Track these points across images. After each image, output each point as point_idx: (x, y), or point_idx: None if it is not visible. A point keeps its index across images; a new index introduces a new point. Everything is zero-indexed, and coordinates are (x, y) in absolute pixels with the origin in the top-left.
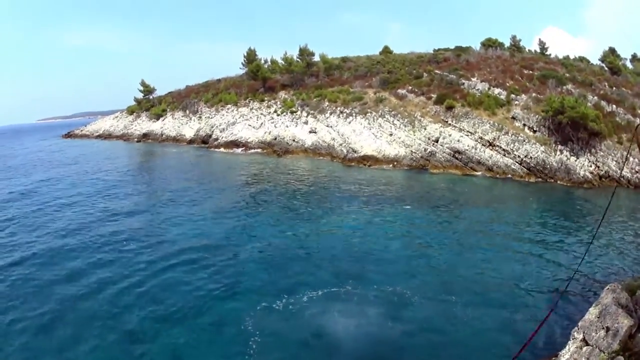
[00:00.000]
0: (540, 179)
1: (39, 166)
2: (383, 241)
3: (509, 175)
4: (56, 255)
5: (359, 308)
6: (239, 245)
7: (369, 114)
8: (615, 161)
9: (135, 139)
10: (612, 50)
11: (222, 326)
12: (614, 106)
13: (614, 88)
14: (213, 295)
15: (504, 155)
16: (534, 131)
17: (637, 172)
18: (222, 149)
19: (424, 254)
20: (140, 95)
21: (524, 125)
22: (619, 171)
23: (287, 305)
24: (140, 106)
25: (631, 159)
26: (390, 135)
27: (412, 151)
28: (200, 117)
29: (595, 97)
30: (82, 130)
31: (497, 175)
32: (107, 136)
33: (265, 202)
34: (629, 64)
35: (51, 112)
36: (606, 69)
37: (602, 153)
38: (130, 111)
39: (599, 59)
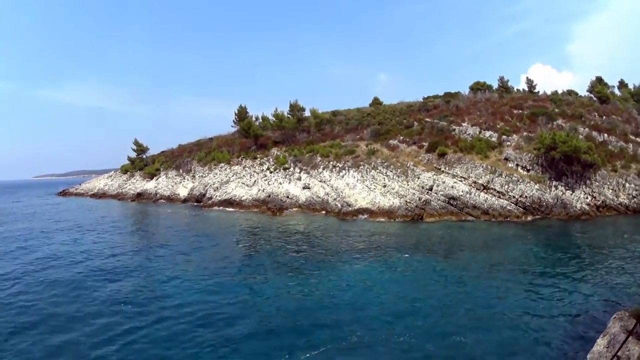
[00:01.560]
0: (537, 217)
1: (33, 222)
2: (382, 291)
3: (506, 218)
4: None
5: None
6: (237, 306)
7: (362, 166)
8: (612, 189)
9: (130, 199)
10: (599, 80)
11: None
12: (606, 135)
13: (604, 117)
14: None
15: (499, 197)
16: (527, 170)
17: (634, 197)
18: (216, 208)
19: (427, 302)
20: (133, 155)
21: (517, 165)
22: (615, 199)
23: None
24: (134, 165)
25: (627, 184)
26: (384, 186)
27: (406, 201)
28: (193, 176)
29: (586, 129)
30: (76, 189)
31: (494, 218)
32: (101, 195)
33: (260, 261)
34: (616, 91)
35: (47, 169)
36: (595, 99)
37: (597, 183)
38: (124, 170)
39: (587, 90)
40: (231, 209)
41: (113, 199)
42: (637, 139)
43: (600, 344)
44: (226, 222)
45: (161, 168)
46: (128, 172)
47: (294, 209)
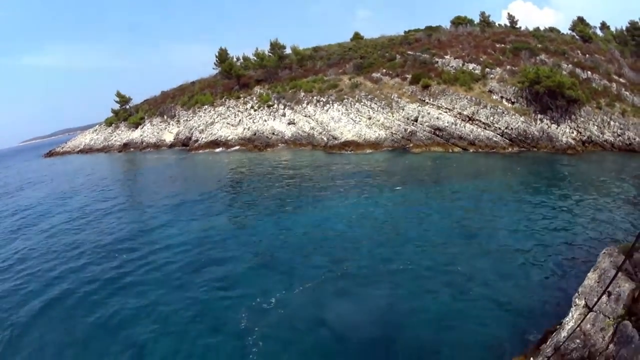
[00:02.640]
0: (523, 149)
1: (19, 188)
2: (373, 223)
3: (492, 149)
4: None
5: (356, 293)
6: (228, 244)
7: (346, 100)
8: (597, 126)
9: (117, 150)
10: (581, 20)
11: (219, 327)
12: (589, 73)
13: (587, 55)
14: (207, 296)
15: (485, 128)
16: (512, 103)
17: (619, 135)
18: (203, 150)
19: (417, 231)
20: (117, 106)
21: (502, 97)
22: (601, 135)
23: (282, 299)
24: (118, 117)
25: (612, 122)
26: (369, 119)
27: (392, 132)
28: (178, 121)
29: (570, 65)
30: (62, 148)
31: (480, 149)
32: (88, 150)
33: (250, 197)
34: (599, 32)
35: (32, 133)
36: (577, 37)
37: (582, 119)
38: (109, 123)
39: (569, 29)
40: (218, 150)
41: (100, 153)
42: (621, 79)
43: (591, 278)
44: (213, 162)
45: (145, 116)
46: (113, 125)
47: (281, 145)
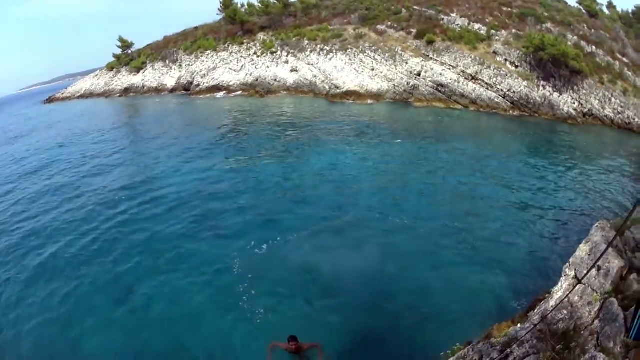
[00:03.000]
0: (524, 113)
1: (18, 135)
2: (372, 174)
3: (494, 110)
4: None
5: (350, 242)
6: (226, 188)
7: (350, 50)
8: (598, 100)
9: (117, 94)
10: None
11: (213, 271)
12: (594, 47)
13: (593, 30)
14: (202, 239)
15: (487, 89)
16: (516, 66)
17: (619, 112)
18: (204, 95)
19: (416, 186)
20: (119, 51)
21: (506, 60)
22: (602, 110)
23: (276, 245)
24: (120, 61)
25: (613, 99)
26: (372, 70)
27: (394, 85)
28: (180, 66)
29: (575, 37)
30: (63, 94)
31: (482, 109)
32: (88, 95)
33: (251, 142)
34: (605, 10)
35: (32, 79)
36: (584, 11)
37: (584, 91)
38: (110, 67)
39: (576, 2)
40: (219, 95)
41: (100, 98)
42: (624, 59)
43: (583, 250)
44: (214, 107)
45: (147, 61)
46: (114, 69)
47: (282, 92)
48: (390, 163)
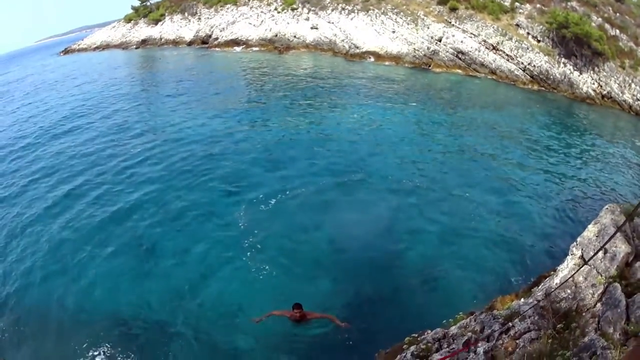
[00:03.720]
0: (543, 88)
1: (35, 87)
2: (385, 136)
3: (512, 82)
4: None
5: (359, 202)
6: (239, 142)
7: (371, 11)
8: (618, 84)
9: (134, 46)
10: None
11: (220, 224)
12: (618, 31)
13: (618, 14)
14: (211, 193)
15: (508, 60)
16: (538, 41)
17: (638, 99)
18: (221, 48)
19: (430, 150)
20: (137, 3)
21: (528, 34)
22: (620, 94)
23: (285, 200)
24: (138, 13)
25: (633, 85)
26: (393, 32)
27: (414, 49)
28: (199, 19)
29: (599, 19)
30: (79, 45)
31: (500, 80)
32: (105, 47)
33: (267, 97)
34: None
35: (48, 31)
36: None
37: (604, 73)
38: (128, 19)
39: None
40: (237, 49)
41: (117, 49)
42: None
43: (591, 230)
44: (232, 61)
45: (166, 13)
46: (132, 21)
47: (301, 49)
48: (406, 125)
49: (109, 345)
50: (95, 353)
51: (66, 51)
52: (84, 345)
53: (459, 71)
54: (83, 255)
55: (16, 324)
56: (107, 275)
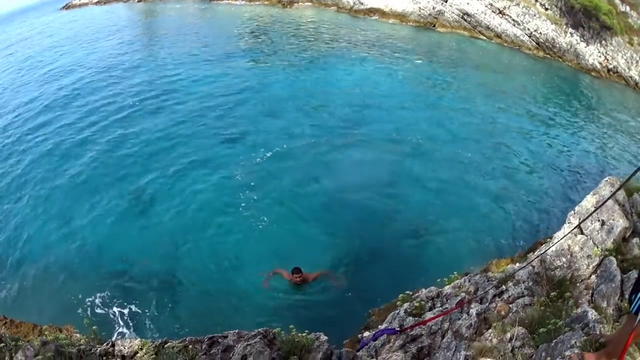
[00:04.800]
0: (548, 56)
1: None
2: (388, 92)
3: (517, 47)
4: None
5: (359, 156)
6: (240, 93)
7: None
8: (625, 60)
9: (136, 0)
10: None
11: (219, 173)
12: (628, 8)
13: None
14: (211, 143)
15: (514, 25)
16: (546, 9)
17: None
18: (224, 1)
19: (432, 109)
20: None
21: (536, 1)
22: (627, 70)
23: (283, 152)
24: None
25: None
26: None
27: (420, 7)
28: None
29: None
30: (80, 0)
31: (505, 44)
32: (105, 1)
33: (270, 51)
34: None
35: None
36: None
37: (612, 47)
38: None
39: None
40: (240, 2)
41: (119, 3)
42: None
43: (589, 201)
44: (235, 15)
45: None
46: None
47: (305, 3)
48: (408, 83)
49: (107, 296)
50: (94, 303)
51: (67, 6)
52: (82, 296)
53: (464, 32)
54: (80, 206)
55: (12, 277)
56: (104, 226)
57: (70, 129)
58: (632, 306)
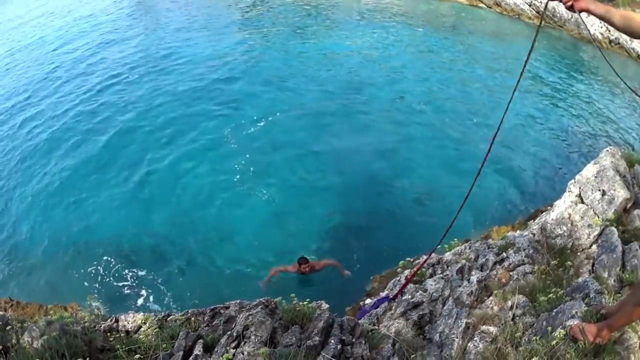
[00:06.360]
0: (549, 24)
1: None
2: (386, 62)
3: (517, 15)
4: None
5: (355, 125)
6: (236, 63)
7: None
8: None
9: None
10: None
11: (214, 145)
12: None
13: None
14: (207, 112)
15: None
16: None
17: None
18: None
19: (430, 77)
20: None
21: None
22: (630, 41)
23: (278, 120)
24: None
25: None
26: None
27: None
28: None
29: None
30: None
31: (505, 12)
32: None
33: (261, 20)
34: None
35: None
36: None
37: None
38: None
39: None
40: None
41: None
42: None
43: (590, 170)
44: None
45: None
46: None
47: None
48: (406, 50)
49: (109, 272)
50: (97, 280)
51: None
52: (85, 273)
53: (463, 1)
54: (77, 184)
55: (16, 257)
56: (102, 203)
57: (62, 108)
58: None
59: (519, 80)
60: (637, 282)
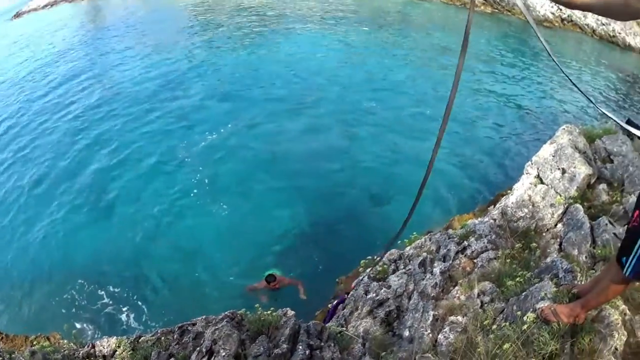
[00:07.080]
0: (496, 10)
1: None
2: (333, 62)
3: (462, 4)
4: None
5: (309, 126)
6: (186, 75)
7: None
8: None
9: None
10: None
11: (170, 161)
12: None
13: None
14: (158, 127)
15: None
16: None
17: (603, 24)
18: None
19: (380, 74)
20: None
21: None
22: (583, 17)
23: (231, 131)
24: None
25: None
26: None
27: None
28: None
29: None
30: (29, 7)
31: (450, 2)
32: (53, 3)
33: (213, 28)
34: None
35: None
36: None
37: None
38: None
39: None
40: None
41: (64, 3)
42: None
43: (547, 150)
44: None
45: None
46: None
47: None
48: (353, 50)
49: (80, 300)
50: (71, 309)
51: (17, 15)
52: (58, 302)
53: None
54: (30, 211)
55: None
56: (58, 231)
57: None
58: (625, 269)
59: (461, 61)
60: (611, 257)
